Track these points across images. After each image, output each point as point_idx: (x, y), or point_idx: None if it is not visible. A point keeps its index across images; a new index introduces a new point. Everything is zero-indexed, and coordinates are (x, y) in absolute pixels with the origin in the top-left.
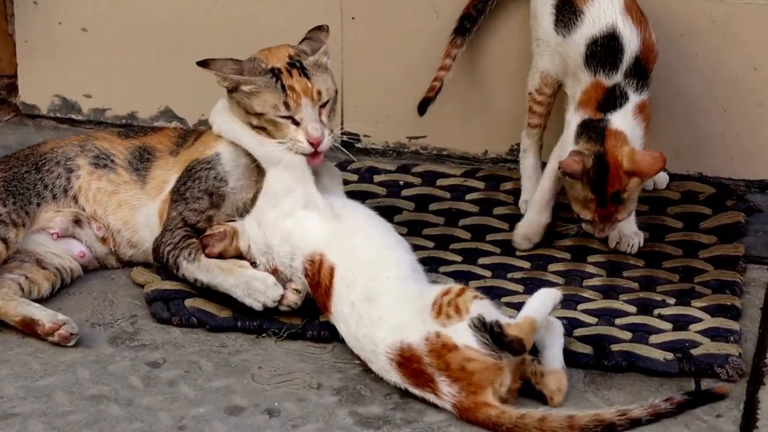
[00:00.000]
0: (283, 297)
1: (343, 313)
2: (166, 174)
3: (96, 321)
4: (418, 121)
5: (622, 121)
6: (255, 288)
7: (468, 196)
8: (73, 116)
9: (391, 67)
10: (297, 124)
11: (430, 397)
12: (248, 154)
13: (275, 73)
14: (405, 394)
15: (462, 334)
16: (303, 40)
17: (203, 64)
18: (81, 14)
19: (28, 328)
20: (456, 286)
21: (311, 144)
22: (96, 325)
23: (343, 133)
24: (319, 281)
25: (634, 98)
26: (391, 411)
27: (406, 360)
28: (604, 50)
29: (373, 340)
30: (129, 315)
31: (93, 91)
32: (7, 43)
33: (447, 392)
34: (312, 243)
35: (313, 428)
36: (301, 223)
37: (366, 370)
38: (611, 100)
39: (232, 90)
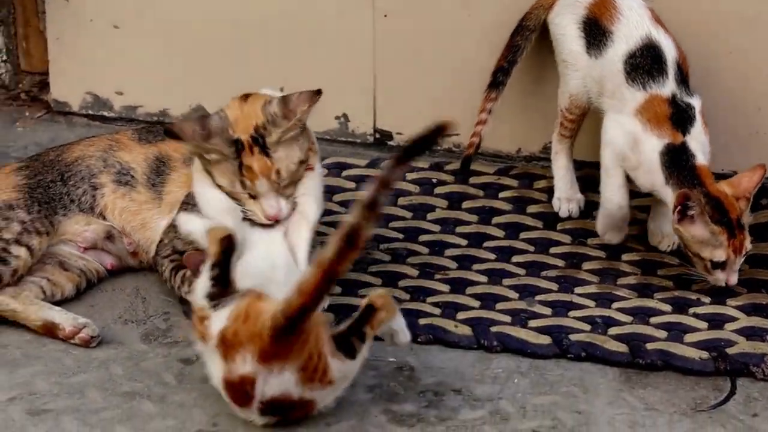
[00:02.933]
0: None
1: None
2: (178, 192)
3: (129, 318)
4: (450, 117)
5: (700, 139)
6: None
7: (501, 194)
8: (105, 113)
9: (423, 64)
10: (254, 198)
11: None
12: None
13: (237, 146)
14: (439, 392)
15: None
16: (281, 101)
17: (170, 133)
18: (112, 11)
19: (49, 333)
20: None
21: (271, 219)
22: (129, 322)
23: (375, 131)
24: None
25: (697, 104)
26: (424, 409)
27: None
28: (646, 60)
29: None
30: (162, 312)
31: (125, 88)
32: (38, 41)
33: None
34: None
35: (347, 426)
36: None
37: (399, 367)
38: (681, 114)
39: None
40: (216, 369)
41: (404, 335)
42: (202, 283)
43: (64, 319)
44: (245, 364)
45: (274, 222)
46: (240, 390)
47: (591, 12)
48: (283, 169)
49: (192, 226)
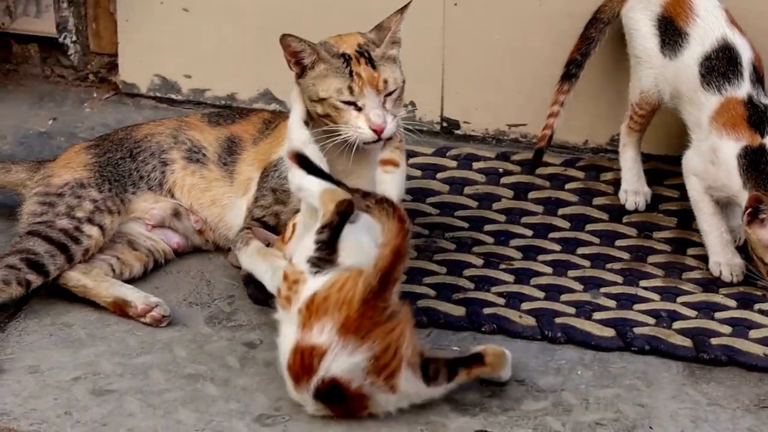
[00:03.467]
0: None
1: None
2: (250, 171)
3: (193, 300)
4: (518, 108)
5: None
6: (280, 277)
7: (567, 186)
8: (173, 96)
9: (493, 53)
10: (359, 110)
11: None
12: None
13: (346, 58)
14: (502, 382)
15: None
16: (374, 28)
17: (285, 38)
18: None
19: (119, 310)
20: None
21: (374, 131)
22: (193, 305)
23: (442, 119)
24: None
25: None
26: (487, 398)
27: None
28: (721, 62)
29: None
30: (226, 295)
31: (193, 71)
32: (108, 22)
33: None
34: None
35: (410, 414)
36: None
37: None
38: (758, 115)
39: (301, 75)
40: (289, 336)
41: (506, 375)
42: (305, 246)
43: (136, 297)
44: (322, 334)
45: (378, 139)
46: (306, 361)
47: (666, 10)
48: (390, 80)
49: (305, 182)
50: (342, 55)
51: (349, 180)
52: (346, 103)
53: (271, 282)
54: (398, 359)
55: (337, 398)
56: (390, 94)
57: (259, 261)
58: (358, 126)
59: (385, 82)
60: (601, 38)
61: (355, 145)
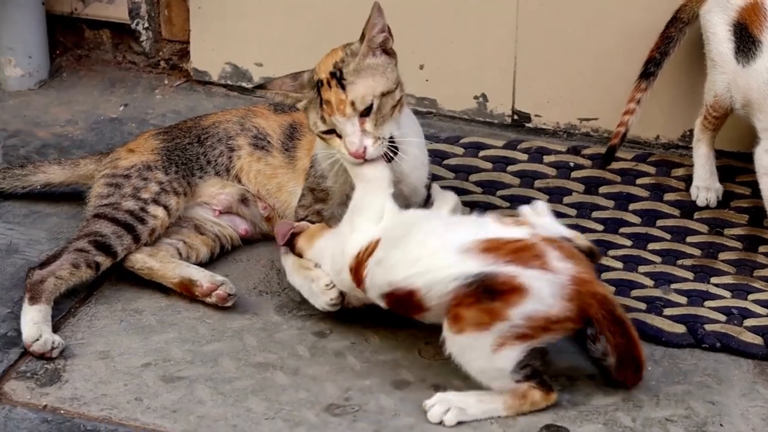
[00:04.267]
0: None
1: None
2: (305, 161)
3: (263, 289)
4: (589, 102)
5: None
6: (312, 291)
7: (638, 181)
8: (243, 84)
9: (565, 47)
10: (340, 136)
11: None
12: None
13: (318, 85)
14: (572, 377)
15: None
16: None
17: (261, 87)
18: None
19: (186, 290)
20: None
21: (354, 156)
22: (263, 293)
23: (513, 112)
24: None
25: None
26: (558, 393)
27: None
28: None
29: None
30: None
31: (264, 59)
32: (180, 9)
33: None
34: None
35: None
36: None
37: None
38: None
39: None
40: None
41: None
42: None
43: (201, 276)
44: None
45: (362, 160)
46: None
47: (741, 16)
48: (358, 101)
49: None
50: (316, 83)
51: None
52: (326, 132)
53: (309, 295)
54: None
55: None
56: (367, 113)
57: (295, 275)
58: (342, 152)
59: (352, 103)
60: (680, 38)
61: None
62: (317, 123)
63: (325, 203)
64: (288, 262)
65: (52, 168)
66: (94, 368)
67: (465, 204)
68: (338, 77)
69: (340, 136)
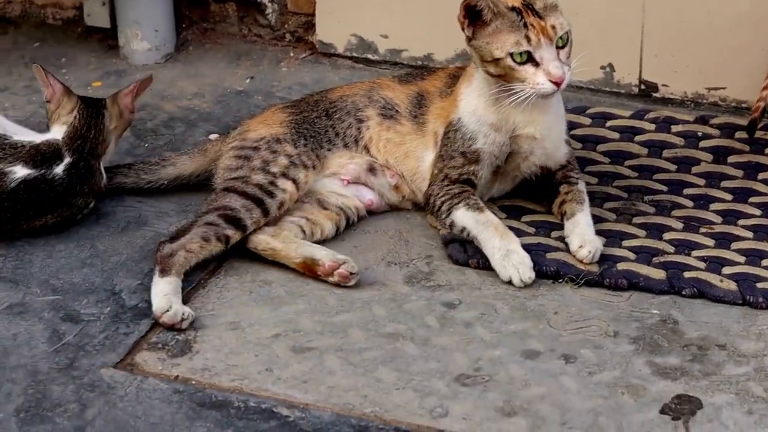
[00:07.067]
0: None
1: None
2: (435, 124)
3: (392, 260)
4: (718, 71)
5: None
6: (512, 260)
7: None
8: (369, 56)
9: (694, 17)
10: (536, 66)
11: None
12: (495, 112)
13: (517, 11)
14: (703, 346)
15: None
16: None
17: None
18: None
19: (308, 270)
20: None
21: (554, 83)
22: (392, 264)
23: (641, 82)
24: None
25: None
26: (689, 362)
27: None
28: None
29: None
30: (424, 255)
31: (390, 31)
32: None
33: None
34: None
35: (610, 376)
36: None
37: (663, 320)
38: None
39: (472, 37)
40: None
41: None
42: None
43: (323, 255)
44: None
45: (557, 89)
46: None
47: None
48: (557, 25)
49: None
50: (513, 9)
51: (525, 129)
52: (522, 60)
53: (500, 259)
54: None
55: None
56: (562, 47)
57: (493, 234)
58: (536, 82)
59: (553, 27)
60: None
61: (531, 99)
62: (520, 42)
63: (478, 164)
64: (486, 220)
65: (181, 159)
66: (225, 339)
67: (592, 174)
68: (532, 9)
69: (536, 65)
